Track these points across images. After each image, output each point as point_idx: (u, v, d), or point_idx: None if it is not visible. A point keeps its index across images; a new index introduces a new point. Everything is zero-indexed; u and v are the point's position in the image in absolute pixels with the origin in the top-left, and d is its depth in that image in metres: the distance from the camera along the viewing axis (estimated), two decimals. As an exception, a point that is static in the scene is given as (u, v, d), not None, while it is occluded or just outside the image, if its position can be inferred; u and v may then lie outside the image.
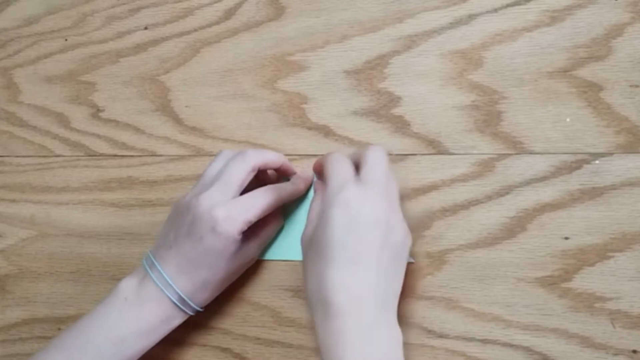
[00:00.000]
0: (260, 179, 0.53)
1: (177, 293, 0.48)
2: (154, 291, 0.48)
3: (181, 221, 0.49)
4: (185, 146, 0.58)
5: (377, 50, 0.54)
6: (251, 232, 0.51)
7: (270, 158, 0.51)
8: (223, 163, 0.51)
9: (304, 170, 0.53)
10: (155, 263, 0.49)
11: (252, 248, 0.51)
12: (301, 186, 0.52)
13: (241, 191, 0.49)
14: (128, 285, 0.49)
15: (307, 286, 0.45)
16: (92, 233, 0.59)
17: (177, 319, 0.49)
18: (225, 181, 0.49)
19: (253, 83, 0.56)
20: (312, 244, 0.45)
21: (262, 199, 0.49)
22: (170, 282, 0.48)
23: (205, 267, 0.48)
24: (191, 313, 0.50)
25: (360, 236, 0.43)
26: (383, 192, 0.45)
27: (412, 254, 0.50)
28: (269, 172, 0.54)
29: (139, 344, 0.48)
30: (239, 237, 0.48)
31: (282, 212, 0.54)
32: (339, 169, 0.46)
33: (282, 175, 0.54)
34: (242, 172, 0.49)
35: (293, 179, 0.53)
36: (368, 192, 0.44)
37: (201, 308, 0.50)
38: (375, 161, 0.46)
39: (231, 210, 0.48)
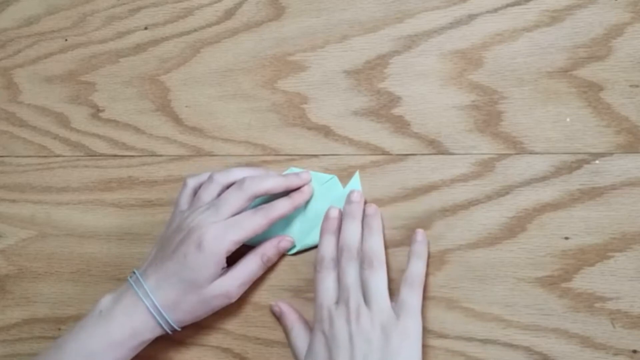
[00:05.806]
0: None
1: (154, 304, 0.48)
2: (128, 304, 0.49)
3: (171, 239, 0.50)
4: (185, 146, 0.58)
5: (377, 50, 0.54)
6: (232, 268, 0.51)
7: (270, 186, 0.51)
8: (216, 189, 0.51)
9: (306, 186, 0.53)
10: (138, 276, 0.50)
11: (232, 282, 0.50)
12: (298, 203, 0.52)
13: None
14: (106, 300, 0.50)
15: None
16: (92, 233, 0.59)
17: (147, 334, 0.49)
18: (219, 206, 0.49)
19: (253, 83, 0.56)
20: None
21: (252, 220, 0.49)
22: (149, 292, 0.48)
23: (182, 286, 0.48)
24: (166, 328, 0.49)
25: None
26: None
27: None
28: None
29: (108, 357, 0.48)
30: (224, 258, 0.48)
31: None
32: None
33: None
34: (238, 202, 0.50)
35: (292, 195, 0.52)
36: None
37: (177, 326, 0.50)
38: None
39: (219, 229, 0.48)
